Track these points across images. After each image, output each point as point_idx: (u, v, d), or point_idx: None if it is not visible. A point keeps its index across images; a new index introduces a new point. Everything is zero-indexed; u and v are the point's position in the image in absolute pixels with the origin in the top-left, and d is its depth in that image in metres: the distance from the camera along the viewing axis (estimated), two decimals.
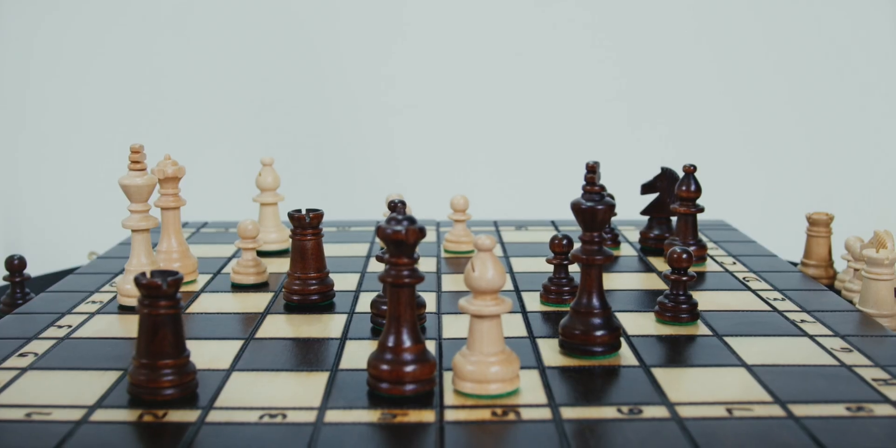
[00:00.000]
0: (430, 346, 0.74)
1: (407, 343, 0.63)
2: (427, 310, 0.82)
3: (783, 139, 1.94)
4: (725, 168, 1.89)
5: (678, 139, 1.95)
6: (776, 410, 0.61)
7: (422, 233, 0.62)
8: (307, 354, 0.72)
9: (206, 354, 0.72)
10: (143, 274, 0.62)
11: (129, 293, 0.86)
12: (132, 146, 0.86)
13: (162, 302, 0.62)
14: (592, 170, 0.71)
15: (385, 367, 0.63)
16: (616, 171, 1.41)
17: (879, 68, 1.91)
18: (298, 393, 0.64)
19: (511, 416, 0.60)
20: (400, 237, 0.61)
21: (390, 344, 0.63)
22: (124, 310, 0.85)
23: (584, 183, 0.71)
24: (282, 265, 1.00)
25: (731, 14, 1.93)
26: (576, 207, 0.71)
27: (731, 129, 1.95)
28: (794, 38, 1.92)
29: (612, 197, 0.97)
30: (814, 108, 1.93)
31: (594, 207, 0.70)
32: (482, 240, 0.63)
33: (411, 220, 0.62)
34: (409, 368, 0.63)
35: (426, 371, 0.64)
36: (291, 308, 0.85)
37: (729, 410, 0.61)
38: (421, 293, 0.81)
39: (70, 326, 0.80)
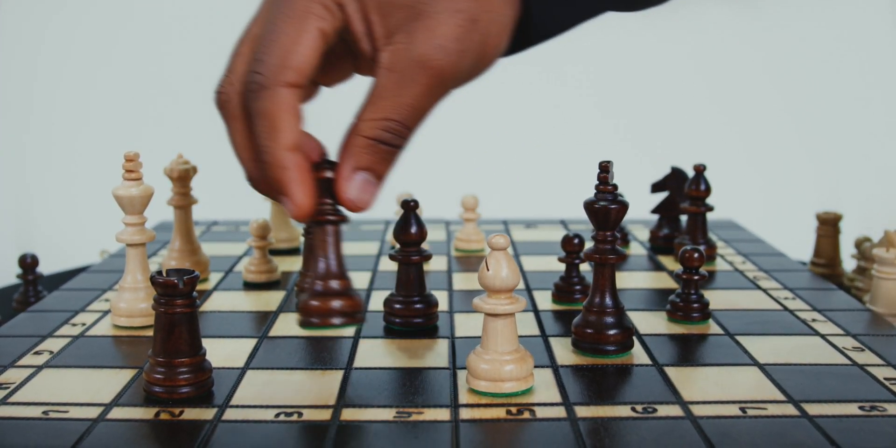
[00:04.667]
0: (443, 344, 0.75)
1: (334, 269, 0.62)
2: (439, 308, 0.82)
3: (792, 138, 1.95)
4: (734, 167, 1.89)
5: (687, 138, 1.95)
6: (790, 409, 0.61)
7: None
8: (321, 353, 0.73)
9: (221, 353, 0.72)
10: (160, 272, 0.63)
11: (124, 313, 0.79)
12: (126, 154, 0.78)
13: (178, 300, 0.63)
14: (606, 169, 0.71)
15: (314, 302, 0.61)
16: (625, 169, 1.41)
17: (889, 67, 1.91)
18: (313, 391, 0.65)
19: (526, 415, 0.61)
20: (324, 177, 0.60)
21: (320, 274, 0.62)
22: (119, 329, 0.79)
23: (597, 182, 0.72)
24: (292, 263, 1.01)
25: (736, 13, 1.93)
26: (589, 207, 0.71)
27: (741, 128, 1.95)
28: (803, 36, 1.92)
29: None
30: (823, 106, 1.93)
31: (607, 207, 0.70)
32: (496, 239, 0.63)
33: (331, 163, 0.61)
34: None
35: (353, 304, 0.62)
36: None
37: (743, 409, 0.61)
38: (433, 292, 0.82)
39: (84, 324, 0.80)
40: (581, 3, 0.63)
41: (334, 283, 0.62)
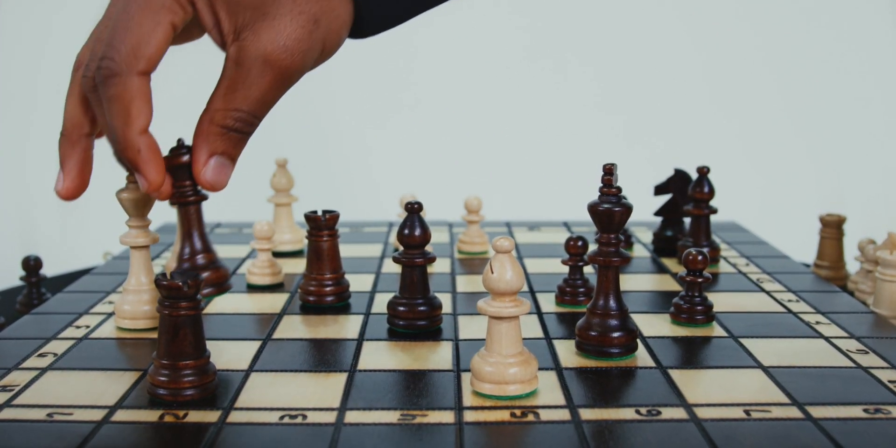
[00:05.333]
0: (447, 347, 0.75)
1: (200, 252, 0.72)
2: (443, 311, 0.82)
3: (795, 140, 1.94)
4: (737, 169, 1.89)
5: (691, 140, 1.95)
6: (794, 412, 0.61)
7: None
8: (325, 355, 0.73)
9: (225, 355, 0.72)
10: (164, 275, 0.63)
11: (128, 315, 0.79)
12: None
13: (182, 303, 0.63)
14: (610, 171, 0.71)
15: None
16: (629, 171, 1.41)
17: (891, 68, 1.91)
18: (318, 393, 0.65)
19: (530, 417, 0.61)
20: (182, 162, 0.68)
21: (186, 256, 0.71)
22: (122, 331, 0.79)
23: (601, 184, 0.72)
24: (296, 266, 1.01)
25: (740, 12, 1.93)
26: (593, 209, 0.71)
27: (744, 130, 1.95)
28: (807, 38, 1.92)
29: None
30: (826, 108, 1.93)
31: (611, 209, 0.70)
32: (500, 241, 0.63)
33: (187, 148, 0.68)
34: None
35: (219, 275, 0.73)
36: (307, 309, 0.85)
37: (747, 412, 0.61)
38: (436, 294, 0.82)
39: (88, 327, 0.80)
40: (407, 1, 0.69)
41: (200, 258, 0.72)
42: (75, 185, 0.69)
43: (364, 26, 0.69)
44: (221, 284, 0.76)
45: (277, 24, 0.63)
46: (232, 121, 0.66)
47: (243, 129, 0.67)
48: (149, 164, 0.65)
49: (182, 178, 0.70)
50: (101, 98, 0.64)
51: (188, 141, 0.69)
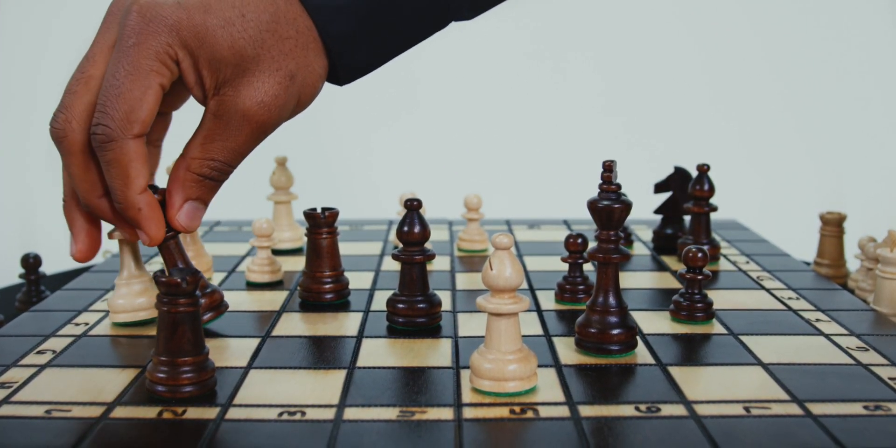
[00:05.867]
0: (446, 344, 0.75)
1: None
2: (442, 308, 0.82)
3: (795, 138, 1.94)
4: (738, 167, 1.89)
5: (691, 138, 1.95)
6: (794, 409, 0.61)
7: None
8: (324, 352, 0.73)
9: (224, 352, 0.72)
10: (163, 271, 0.63)
11: (121, 308, 0.79)
12: None
13: (181, 300, 0.62)
14: (609, 168, 0.71)
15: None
16: (628, 169, 1.41)
17: (892, 67, 1.91)
18: (317, 390, 0.65)
19: (529, 414, 0.60)
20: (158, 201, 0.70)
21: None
22: (120, 328, 0.79)
23: (600, 181, 0.71)
24: (296, 263, 1.01)
25: (741, 12, 1.93)
26: (592, 206, 0.71)
27: (744, 128, 1.95)
28: (806, 36, 1.92)
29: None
30: (826, 106, 1.93)
31: (611, 206, 0.70)
32: (500, 238, 0.63)
33: (159, 189, 0.71)
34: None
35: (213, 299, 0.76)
36: (307, 306, 0.85)
37: (747, 409, 0.61)
38: (436, 292, 0.82)
39: (87, 324, 0.80)
40: (383, 45, 0.74)
41: None
42: (87, 247, 0.73)
43: (341, 75, 0.73)
44: (218, 307, 0.79)
45: (256, 81, 0.67)
46: (208, 170, 0.69)
47: (218, 178, 0.71)
48: (150, 220, 0.69)
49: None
50: (102, 163, 0.68)
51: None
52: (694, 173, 1.01)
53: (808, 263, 1.06)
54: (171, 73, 0.67)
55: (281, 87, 0.68)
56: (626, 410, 0.61)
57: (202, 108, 0.70)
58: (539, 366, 0.69)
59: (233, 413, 0.61)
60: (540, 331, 0.78)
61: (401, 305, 0.79)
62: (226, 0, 0.66)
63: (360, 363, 0.70)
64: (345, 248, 1.01)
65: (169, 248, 0.74)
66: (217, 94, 0.67)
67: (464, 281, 0.94)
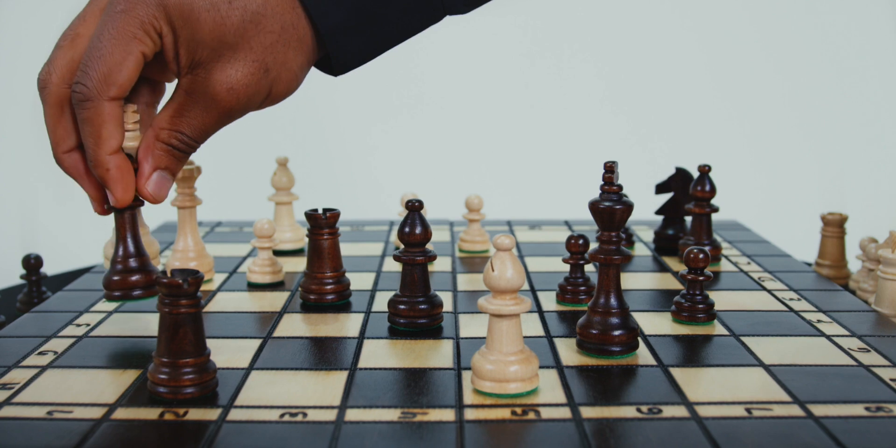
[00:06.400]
0: (448, 345, 0.75)
1: (133, 256, 0.75)
2: (444, 309, 0.82)
3: (797, 139, 1.94)
4: (739, 168, 1.89)
5: (692, 139, 1.94)
6: (795, 410, 0.61)
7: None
8: (325, 353, 0.73)
9: (225, 353, 0.72)
10: (164, 273, 0.63)
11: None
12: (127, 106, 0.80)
13: (183, 301, 0.62)
14: (611, 169, 0.71)
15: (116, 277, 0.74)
16: (630, 170, 1.41)
17: (894, 67, 1.91)
18: (318, 392, 0.65)
19: (531, 416, 0.60)
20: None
21: (119, 258, 0.75)
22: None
23: (602, 182, 0.71)
24: (297, 264, 1.01)
25: (743, 11, 1.93)
26: (594, 207, 0.71)
27: (746, 129, 1.95)
28: (806, 38, 1.92)
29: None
30: (828, 107, 1.93)
31: (612, 207, 0.70)
32: (501, 239, 0.63)
33: (130, 158, 0.72)
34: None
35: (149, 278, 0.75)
36: (308, 307, 0.85)
37: (748, 410, 0.61)
38: (437, 293, 0.82)
39: (88, 325, 0.80)
40: (377, 37, 0.74)
41: (133, 262, 0.74)
42: (103, 195, 0.74)
43: (334, 66, 0.74)
44: (151, 287, 0.77)
45: (229, 68, 0.69)
46: (176, 141, 0.71)
47: (185, 150, 0.72)
48: (117, 182, 0.71)
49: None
50: (77, 120, 0.70)
51: None
52: (695, 174, 1.01)
53: (809, 264, 1.06)
54: (153, 43, 0.68)
55: (253, 77, 0.69)
56: (628, 412, 0.61)
57: None
58: (540, 367, 0.69)
59: (234, 414, 0.61)
60: (541, 332, 0.78)
61: (402, 306, 0.79)
62: None
63: (361, 364, 0.70)
64: (346, 249, 1.01)
65: (124, 218, 0.75)
66: (190, 72, 0.69)
67: (465, 282, 0.94)
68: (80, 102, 0.68)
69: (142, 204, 0.75)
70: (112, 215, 0.76)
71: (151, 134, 0.71)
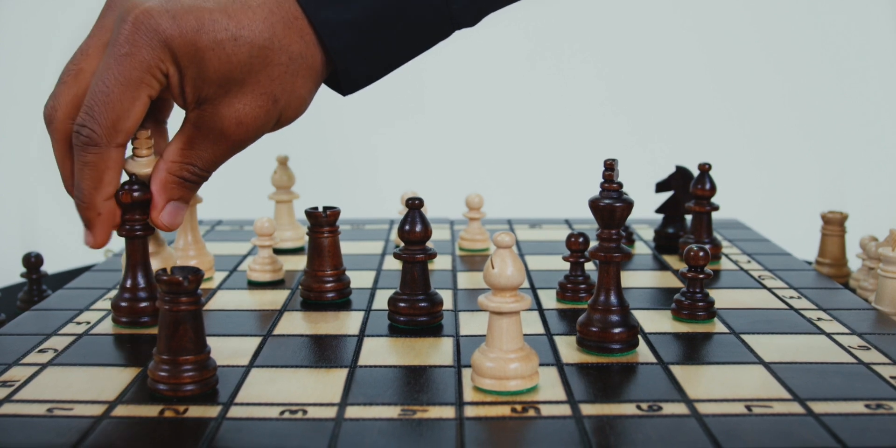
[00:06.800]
0: (448, 342, 0.75)
1: (142, 284, 0.78)
2: (444, 307, 0.82)
3: (797, 137, 1.94)
4: (739, 166, 1.89)
5: (692, 137, 1.94)
6: (795, 408, 0.61)
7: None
8: (325, 351, 0.73)
9: (225, 351, 0.72)
10: (164, 270, 0.63)
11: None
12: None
13: (183, 298, 0.62)
14: (611, 167, 0.71)
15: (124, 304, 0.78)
16: (630, 168, 1.41)
17: (895, 66, 1.91)
18: (318, 389, 0.65)
19: (531, 413, 0.60)
20: (134, 199, 0.73)
21: (128, 285, 0.78)
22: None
23: (602, 180, 0.71)
24: (297, 263, 1.01)
25: (743, 10, 1.93)
26: (594, 205, 0.71)
27: (746, 127, 1.95)
28: (806, 38, 1.92)
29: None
30: (829, 105, 1.93)
31: (612, 205, 0.70)
32: (501, 237, 0.63)
33: (143, 185, 0.74)
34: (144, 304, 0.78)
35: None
36: (308, 305, 0.85)
37: (748, 407, 0.61)
38: (437, 291, 0.82)
39: (88, 323, 0.80)
40: (387, 56, 0.75)
41: (142, 293, 0.78)
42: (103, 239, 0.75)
43: (343, 87, 0.76)
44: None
45: (237, 103, 0.69)
46: (188, 173, 0.72)
47: (197, 181, 0.74)
48: (103, 226, 0.73)
49: (133, 212, 0.75)
50: (78, 162, 0.70)
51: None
52: (695, 172, 1.01)
53: (809, 263, 1.06)
54: (159, 84, 0.68)
55: (262, 109, 0.70)
56: (628, 409, 0.61)
57: None
58: (540, 364, 0.69)
59: (234, 412, 0.61)
60: (541, 329, 0.78)
61: (402, 304, 0.79)
62: (220, 21, 0.67)
63: (361, 362, 0.70)
64: (346, 247, 1.01)
65: (135, 246, 0.77)
66: (198, 107, 0.69)
67: (465, 280, 0.94)
68: (85, 146, 0.68)
69: (152, 231, 0.76)
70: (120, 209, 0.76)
71: (163, 167, 0.72)
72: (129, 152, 0.74)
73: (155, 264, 0.81)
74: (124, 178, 0.75)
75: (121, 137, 0.69)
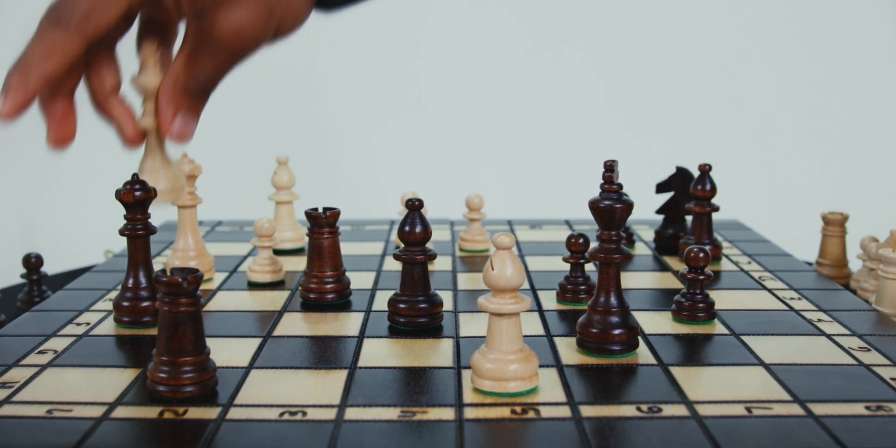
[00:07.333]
0: (447, 344, 0.74)
1: (143, 283, 0.79)
2: (444, 308, 0.82)
3: (797, 138, 1.94)
4: (739, 167, 1.89)
5: (692, 138, 1.94)
6: (795, 409, 0.61)
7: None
8: (325, 352, 0.73)
9: (225, 352, 0.72)
10: (164, 271, 0.63)
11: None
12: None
13: (182, 299, 0.62)
14: (611, 168, 0.71)
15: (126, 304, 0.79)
16: (630, 169, 1.41)
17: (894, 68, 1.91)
18: (318, 390, 0.65)
19: (531, 414, 0.60)
20: (136, 197, 0.75)
21: (130, 285, 0.79)
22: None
23: (602, 181, 0.71)
24: (297, 264, 1.01)
25: (744, 9, 1.92)
26: (594, 206, 0.71)
27: (747, 128, 1.95)
28: (806, 38, 1.92)
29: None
30: (829, 106, 1.93)
31: (612, 206, 0.70)
32: (501, 238, 0.63)
33: (143, 184, 0.75)
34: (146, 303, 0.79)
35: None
36: (308, 306, 0.85)
37: (748, 409, 0.61)
38: (437, 292, 0.82)
39: (88, 324, 0.80)
40: None
41: (143, 292, 0.79)
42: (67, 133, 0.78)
43: (329, 1, 0.75)
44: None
45: (233, 12, 0.69)
46: (192, 85, 0.72)
47: (203, 91, 0.73)
48: (15, 99, 0.71)
49: (134, 212, 0.76)
50: (35, 35, 0.70)
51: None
52: (696, 173, 1.01)
53: (810, 264, 1.06)
54: None
55: (259, 18, 0.70)
56: (628, 411, 0.61)
57: None
58: (540, 366, 0.69)
59: (234, 413, 0.61)
60: (541, 331, 0.78)
61: (402, 305, 0.79)
62: None
63: (361, 363, 0.70)
64: (346, 248, 1.01)
65: (136, 245, 0.78)
66: (196, 19, 0.70)
67: (465, 281, 0.94)
68: (53, 22, 0.69)
69: (153, 231, 0.77)
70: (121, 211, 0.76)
71: (169, 80, 0.72)
72: (130, 93, 0.76)
73: (161, 181, 0.79)
74: (126, 175, 0.75)
75: (88, 28, 0.68)
